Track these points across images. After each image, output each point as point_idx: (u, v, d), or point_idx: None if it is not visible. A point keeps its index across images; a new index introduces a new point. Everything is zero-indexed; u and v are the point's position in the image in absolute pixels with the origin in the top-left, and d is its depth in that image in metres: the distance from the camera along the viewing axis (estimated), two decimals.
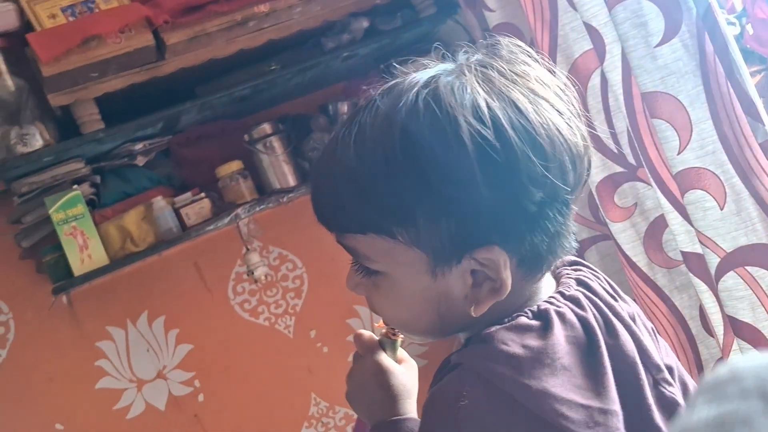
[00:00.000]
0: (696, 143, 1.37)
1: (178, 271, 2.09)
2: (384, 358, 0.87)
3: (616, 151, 1.57)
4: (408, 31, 2.00)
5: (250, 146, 1.94)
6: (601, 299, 0.74)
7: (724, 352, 1.47)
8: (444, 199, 0.65)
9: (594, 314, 0.72)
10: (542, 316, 0.69)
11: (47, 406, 1.97)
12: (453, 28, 2.05)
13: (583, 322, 0.70)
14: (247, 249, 1.90)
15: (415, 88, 0.67)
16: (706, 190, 1.38)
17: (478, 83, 0.66)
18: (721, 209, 1.38)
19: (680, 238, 1.45)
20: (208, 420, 2.08)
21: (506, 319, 0.69)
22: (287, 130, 1.98)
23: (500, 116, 0.64)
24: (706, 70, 1.36)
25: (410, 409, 0.85)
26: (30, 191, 1.79)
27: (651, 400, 0.71)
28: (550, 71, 0.72)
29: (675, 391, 0.74)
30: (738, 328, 1.40)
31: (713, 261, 1.39)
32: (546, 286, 0.75)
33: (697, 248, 1.42)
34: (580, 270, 0.79)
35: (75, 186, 1.79)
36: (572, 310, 0.71)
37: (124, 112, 1.79)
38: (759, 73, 1.88)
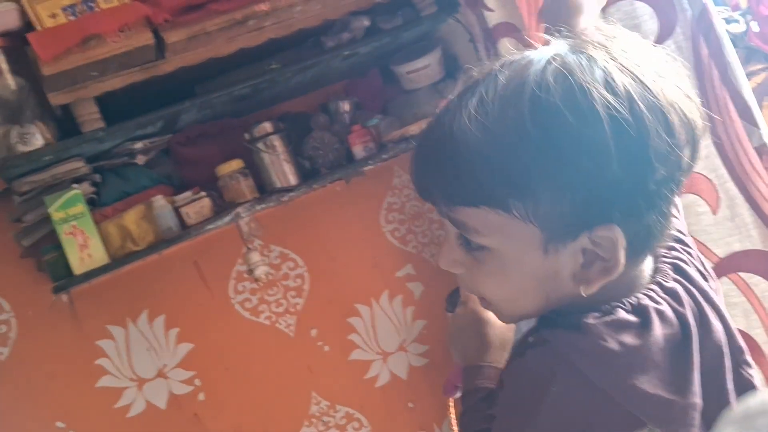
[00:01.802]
0: None
1: (178, 270, 2.10)
2: (482, 308, 0.90)
3: None
4: (408, 29, 1.99)
5: (250, 145, 1.95)
6: (696, 287, 0.74)
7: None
8: (574, 171, 0.63)
9: (691, 307, 0.72)
10: (641, 312, 0.69)
11: (48, 404, 1.99)
12: (453, 27, 2.04)
13: (681, 319, 0.71)
14: (248, 248, 1.91)
15: (542, 62, 0.65)
16: (699, 195, 1.37)
17: (607, 59, 0.65)
18: (714, 214, 1.36)
19: None
20: (208, 419, 2.09)
21: (604, 308, 0.69)
22: (287, 128, 1.98)
23: (632, 91, 0.63)
24: (701, 72, 1.34)
25: (498, 358, 0.89)
26: (30, 190, 1.80)
27: (730, 386, 0.73)
28: (665, 56, 0.70)
29: (753, 372, 0.76)
30: None
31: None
32: (645, 271, 0.74)
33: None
34: (675, 250, 0.78)
35: (75, 185, 1.81)
36: (671, 306, 0.71)
37: (124, 111, 1.79)
38: (764, 71, 1.85)
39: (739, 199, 1.34)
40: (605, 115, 0.62)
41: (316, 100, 2.20)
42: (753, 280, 1.35)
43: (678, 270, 0.75)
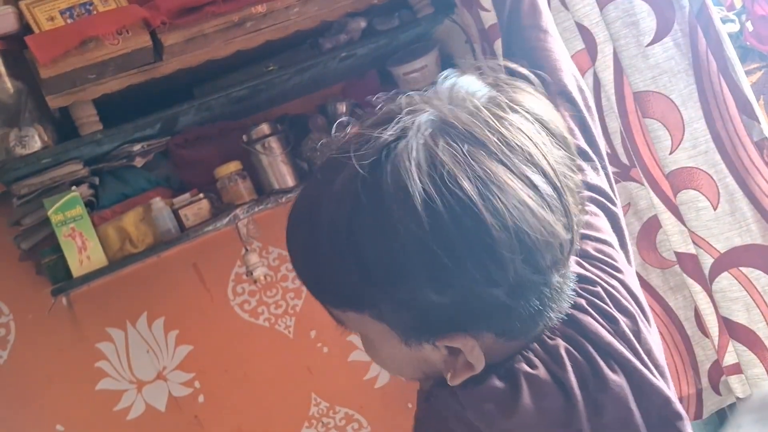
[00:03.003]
0: (688, 143, 1.36)
1: (177, 273, 2.10)
2: None
3: (608, 150, 1.57)
4: (405, 31, 2.00)
5: (248, 147, 1.95)
6: (593, 342, 0.70)
7: (719, 354, 1.46)
8: (395, 299, 0.62)
9: (577, 367, 0.69)
10: (511, 377, 0.67)
11: (47, 407, 1.99)
12: (450, 27, 2.05)
13: (558, 382, 0.68)
14: (246, 249, 1.90)
15: (354, 172, 0.61)
16: (698, 190, 1.37)
17: (422, 168, 0.59)
18: (715, 209, 1.37)
19: (674, 238, 1.45)
20: (208, 421, 2.09)
21: (479, 376, 0.67)
22: (285, 130, 1.98)
23: (446, 218, 0.58)
24: (699, 69, 1.35)
25: None
26: (29, 193, 1.80)
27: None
28: (528, 123, 0.63)
29: (657, 381, 0.72)
30: (732, 330, 1.39)
31: (707, 262, 1.38)
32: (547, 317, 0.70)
33: (691, 249, 1.42)
34: (582, 296, 0.73)
35: (74, 188, 1.80)
36: (549, 368, 0.68)
37: (122, 114, 1.80)
38: (759, 71, 1.86)
39: (739, 193, 1.35)
40: (411, 245, 0.59)
41: (314, 102, 2.20)
42: (754, 274, 1.35)
43: (571, 323, 0.70)
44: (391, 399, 2.24)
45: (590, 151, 0.86)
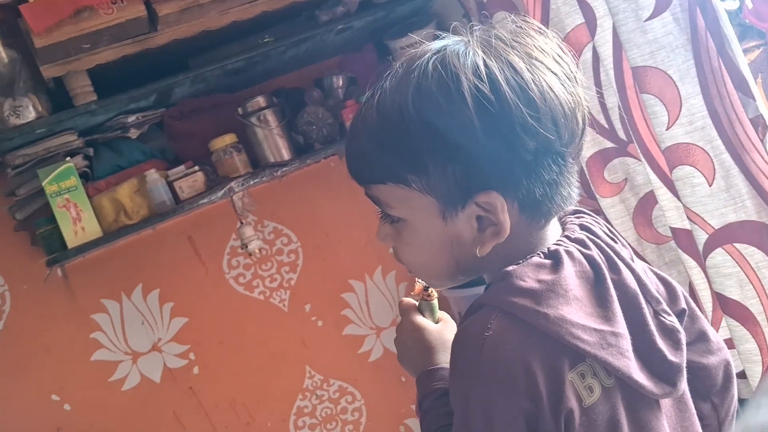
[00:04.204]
0: (685, 118, 1.36)
1: (172, 245, 2.10)
2: (417, 317, 0.95)
3: (606, 126, 1.56)
4: (403, 3, 1.98)
5: (243, 119, 1.94)
6: (603, 241, 0.83)
7: (713, 328, 1.46)
8: (449, 146, 0.74)
9: (598, 253, 0.80)
10: (553, 255, 0.78)
11: (43, 377, 1.99)
12: (447, 1, 2.04)
13: (589, 259, 0.79)
14: (241, 223, 1.90)
15: (427, 55, 0.77)
16: (694, 166, 1.37)
17: (479, 48, 0.75)
18: (710, 185, 1.37)
19: (669, 213, 1.45)
20: (203, 392, 2.10)
21: (520, 261, 0.77)
22: (281, 103, 1.97)
23: (496, 74, 0.73)
24: (697, 44, 1.34)
25: (445, 359, 0.91)
26: (24, 163, 1.79)
27: (653, 327, 0.79)
28: (552, 43, 0.79)
29: (673, 320, 0.82)
30: (726, 305, 1.40)
31: (701, 237, 1.38)
32: (552, 233, 0.82)
33: (686, 224, 1.42)
34: (582, 217, 0.87)
35: (68, 158, 1.79)
36: (579, 250, 0.79)
37: (117, 85, 1.78)
38: (758, 48, 1.85)
39: (735, 170, 1.35)
40: (470, 97, 0.72)
41: (311, 75, 2.19)
42: (748, 250, 1.35)
43: (584, 228, 0.84)
44: (384, 372, 2.25)
45: None
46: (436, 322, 0.96)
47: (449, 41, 0.78)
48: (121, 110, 1.86)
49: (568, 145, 0.77)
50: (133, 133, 1.91)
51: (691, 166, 1.37)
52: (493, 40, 0.76)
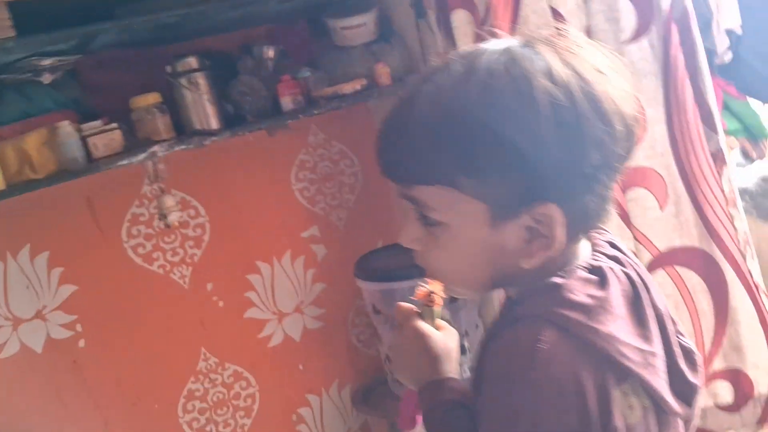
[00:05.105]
0: (647, 143, 1.41)
1: (67, 205, 1.91)
2: (421, 323, 0.91)
3: None
4: None
5: (172, 79, 1.80)
6: (631, 260, 0.82)
7: None
8: (513, 151, 0.70)
9: (634, 272, 0.79)
10: (598, 271, 0.76)
11: None
12: None
13: (629, 277, 0.78)
14: (162, 191, 1.76)
15: (492, 54, 0.73)
16: (649, 190, 1.43)
17: (551, 53, 0.72)
18: (662, 210, 1.43)
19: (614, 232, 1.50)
20: (87, 367, 1.93)
21: (560, 273, 0.75)
22: (214, 67, 1.84)
23: (571, 82, 0.70)
24: (667, 74, 1.39)
25: (451, 369, 0.90)
26: None
27: (677, 348, 0.79)
28: (614, 58, 0.77)
29: (689, 341, 0.83)
30: None
31: (645, 257, 1.44)
32: (583, 247, 0.80)
33: (630, 245, 1.47)
34: (605, 233, 0.85)
35: None
36: (619, 268, 0.78)
37: (36, 23, 1.59)
38: None
39: (685, 198, 1.42)
40: (543, 101, 0.69)
41: (236, 40, 2.06)
42: (687, 274, 1.43)
43: (613, 246, 0.83)
44: (282, 360, 2.19)
45: None
46: (437, 329, 0.93)
47: (511, 43, 0.75)
48: (38, 51, 1.66)
49: (622, 161, 0.76)
50: (46, 78, 1.71)
51: (646, 189, 1.42)
52: (560, 49, 0.73)
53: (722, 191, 1.40)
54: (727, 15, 1.96)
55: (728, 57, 1.85)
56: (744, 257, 1.43)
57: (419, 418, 0.96)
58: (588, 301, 0.72)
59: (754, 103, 2.05)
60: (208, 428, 2.09)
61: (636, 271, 0.80)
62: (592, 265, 0.77)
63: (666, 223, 1.42)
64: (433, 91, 0.73)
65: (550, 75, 0.70)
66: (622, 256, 0.81)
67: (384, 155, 0.78)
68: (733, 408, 1.54)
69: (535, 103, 0.69)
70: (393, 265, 2.01)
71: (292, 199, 2.19)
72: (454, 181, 0.73)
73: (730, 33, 1.98)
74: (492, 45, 0.75)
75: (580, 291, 0.73)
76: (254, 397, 2.15)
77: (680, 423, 0.82)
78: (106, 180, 1.90)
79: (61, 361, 1.91)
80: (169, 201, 1.75)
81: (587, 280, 0.75)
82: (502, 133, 0.70)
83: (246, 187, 2.11)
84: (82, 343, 1.93)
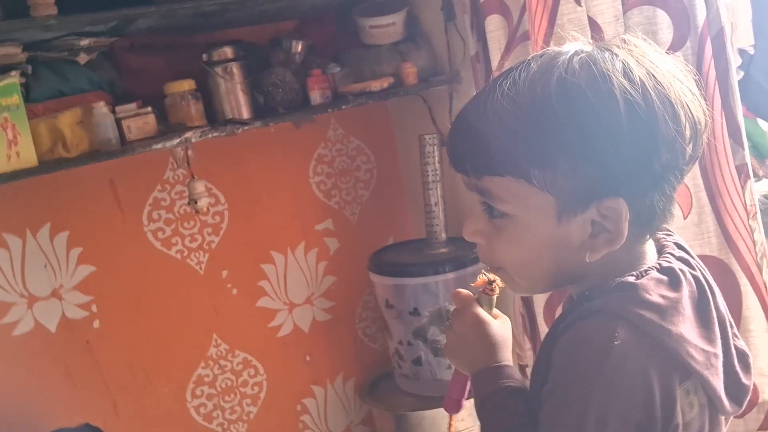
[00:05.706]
0: None
1: (91, 186, 1.93)
2: (479, 309, 0.92)
3: None
4: None
5: (208, 67, 1.82)
6: (697, 261, 0.84)
7: None
8: (587, 145, 0.73)
9: (701, 274, 0.82)
10: (669, 272, 0.78)
11: None
12: None
13: (697, 280, 0.80)
14: (193, 176, 1.78)
15: (570, 53, 0.76)
16: None
17: (627, 55, 0.76)
18: (684, 218, 1.49)
19: None
20: (100, 348, 1.94)
21: (633, 273, 0.77)
22: (249, 58, 1.87)
23: (646, 81, 0.73)
24: (698, 87, 1.45)
25: (507, 357, 0.91)
26: None
27: (733, 349, 0.83)
28: (683, 67, 0.80)
29: (743, 344, 0.86)
30: None
31: None
32: (650, 248, 0.82)
33: None
34: (672, 235, 0.87)
35: (12, 72, 1.59)
36: (688, 270, 0.80)
37: (77, 4, 1.60)
38: None
39: (708, 208, 1.48)
40: (621, 98, 0.72)
41: (265, 33, 2.10)
42: None
43: (680, 247, 0.85)
44: (290, 350, 2.21)
45: None
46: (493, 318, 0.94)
47: (586, 46, 0.78)
48: (77, 30, 1.68)
49: (689, 163, 0.79)
50: (82, 58, 1.73)
51: None
52: (635, 53, 0.76)
53: (743, 204, 1.47)
54: (741, 34, 2.05)
55: (739, 76, 1.93)
56: (760, 269, 1.50)
57: (464, 402, 1.00)
58: (661, 301, 0.75)
59: (762, 123, 2.13)
60: (215, 414, 2.11)
61: (702, 273, 0.83)
62: (663, 266, 0.79)
63: (687, 231, 1.48)
64: (510, 85, 0.75)
65: (627, 75, 0.73)
66: (690, 258, 0.83)
67: (456, 146, 0.80)
68: (738, 414, 1.60)
69: (614, 99, 0.72)
70: (405, 261, 2.06)
71: (308, 192, 2.22)
72: (525, 173, 0.75)
73: (742, 52, 2.07)
74: (569, 46, 0.77)
75: (654, 291, 0.75)
76: (261, 386, 2.17)
77: (723, 420, 0.86)
78: (130, 164, 1.92)
79: (75, 341, 1.92)
80: (200, 186, 1.77)
81: (660, 281, 0.77)
82: (578, 126, 0.72)
83: (266, 178, 2.14)
84: (96, 323, 1.94)
